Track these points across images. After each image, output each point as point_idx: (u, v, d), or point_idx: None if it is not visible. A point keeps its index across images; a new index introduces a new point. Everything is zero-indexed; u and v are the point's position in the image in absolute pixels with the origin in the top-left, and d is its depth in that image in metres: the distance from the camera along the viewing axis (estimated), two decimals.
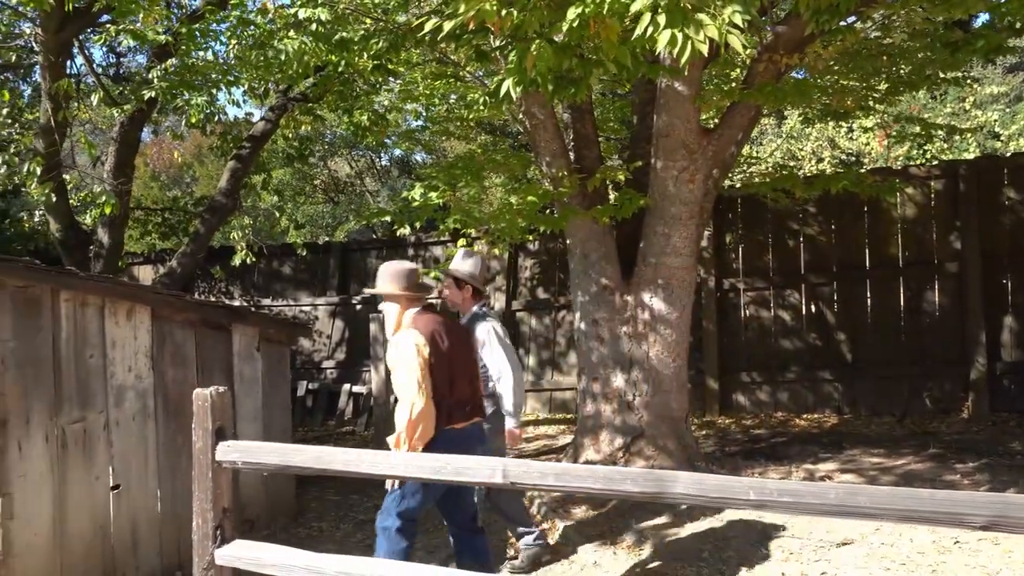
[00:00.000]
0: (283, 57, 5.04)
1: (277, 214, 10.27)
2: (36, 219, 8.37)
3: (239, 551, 3.11)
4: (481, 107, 6.50)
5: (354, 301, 10.36)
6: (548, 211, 6.51)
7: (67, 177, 8.08)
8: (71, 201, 7.74)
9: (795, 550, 4.32)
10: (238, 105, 10.07)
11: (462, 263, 4.48)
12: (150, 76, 6.51)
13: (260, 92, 8.74)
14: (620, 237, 6.25)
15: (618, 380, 5.97)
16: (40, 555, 4.12)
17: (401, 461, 2.88)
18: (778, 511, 2.16)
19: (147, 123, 8.65)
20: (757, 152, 13.04)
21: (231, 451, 3.11)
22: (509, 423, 4.31)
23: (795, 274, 8.63)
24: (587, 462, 5.93)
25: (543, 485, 2.62)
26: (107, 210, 6.05)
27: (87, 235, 7.77)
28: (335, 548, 4.96)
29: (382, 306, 4.05)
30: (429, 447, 3.54)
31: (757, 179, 8.35)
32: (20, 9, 6.63)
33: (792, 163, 12.53)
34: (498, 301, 9.80)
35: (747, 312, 8.81)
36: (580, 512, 5.26)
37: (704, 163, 5.77)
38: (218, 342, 5.24)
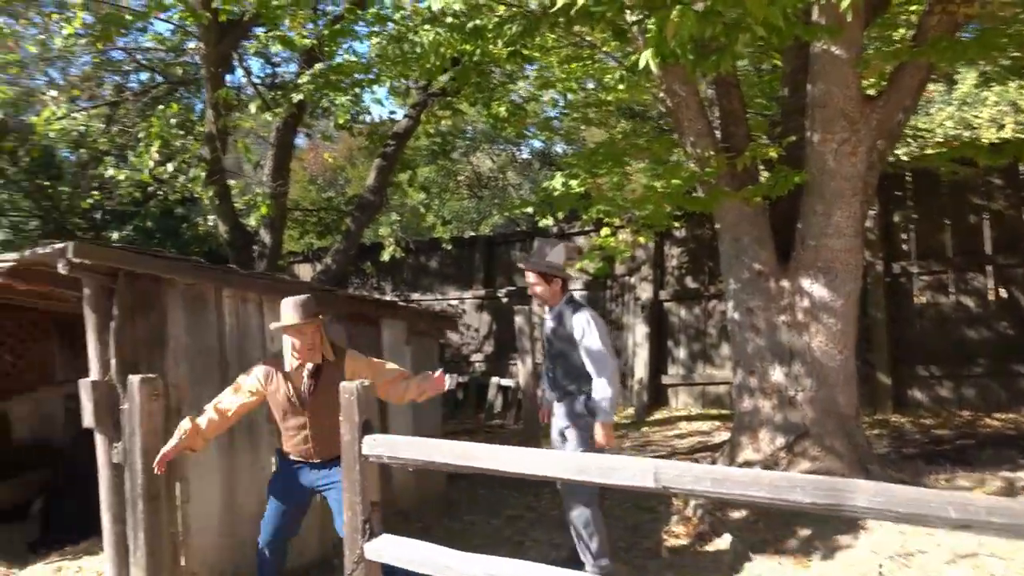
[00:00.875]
0: (419, 50, 5.04)
1: (423, 210, 10.46)
2: (209, 222, 8.98)
3: (386, 546, 3.10)
4: (619, 87, 6.24)
5: (500, 294, 10.40)
6: (694, 194, 6.17)
7: (232, 183, 8.61)
8: (236, 204, 8.22)
9: (998, 573, 3.78)
10: (381, 104, 10.37)
11: (548, 255, 4.20)
12: (299, 80, 6.77)
13: (402, 90, 8.94)
14: (774, 219, 5.82)
15: (777, 374, 5.56)
16: (213, 535, 4.35)
17: (544, 459, 2.74)
18: (987, 533, 1.82)
19: (300, 127, 9.04)
20: (924, 123, 11.85)
21: (377, 445, 3.10)
22: (604, 418, 3.99)
23: (979, 254, 7.73)
24: (745, 463, 5.57)
25: (699, 491, 2.38)
26: (264, 211, 6.37)
27: (251, 236, 8.24)
28: (485, 543, 4.92)
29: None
30: None
31: (929, 150, 7.54)
32: (187, 27, 7.09)
33: (967, 133, 11.29)
34: (644, 291, 9.50)
35: (922, 298, 7.99)
36: (739, 515, 4.93)
37: (867, 134, 5.23)
38: (368, 335, 5.34)
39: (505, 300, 10.25)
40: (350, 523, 3.17)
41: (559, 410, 4.24)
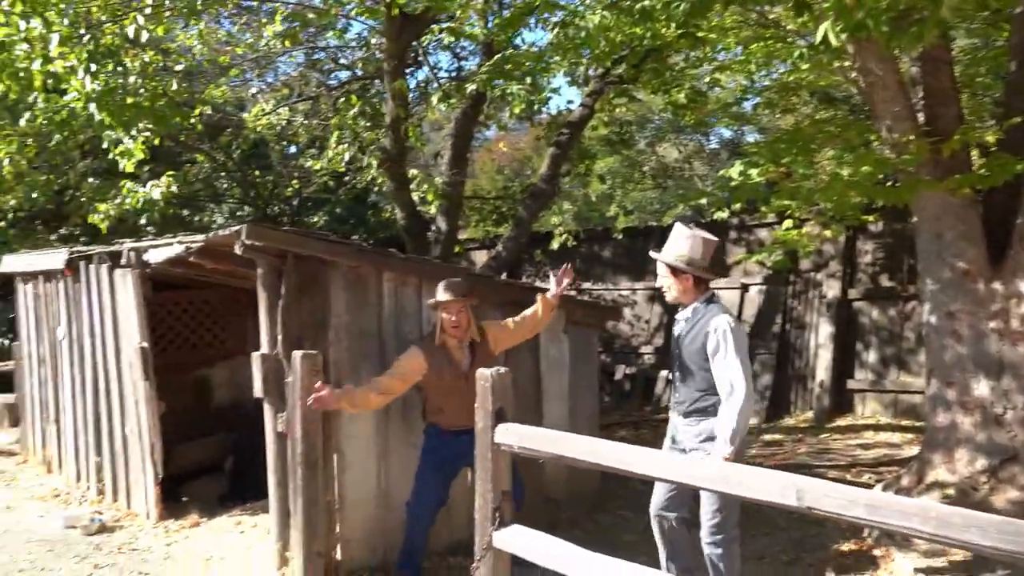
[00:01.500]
0: (583, 35, 4.88)
1: (594, 198, 10.32)
2: (393, 209, 9.43)
3: (516, 537, 3.02)
4: (802, 66, 5.70)
5: None
6: (891, 184, 5.51)
7: (414, 172, 8.95)
8: (415, 193, 8.53)
9: None
10: (558, 93, 10.26)
11: (679, 245, 3.63)
12: (478, 71, 6.86)
13: (580, 78, 8.82)
14: (987, 212, 5.05)
15: (982, 387, 4.83)
16: (367, 507, 4.51)
17: (679, 465, 2.51)
18: None
19: (479, 117, 9.20)
20: None
21: (508, 434, 3.03)
22: (722, 450, 3.30)
23: None
24: (936, 483, 4.90)
25: (849, 516, 2.07)
26: (430, 198, 6.52)
27: (427, 223, 8.53)
28: (633, 541, 4.73)
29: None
30: None
31: None
32: (373, 25, 7.43)
33: None
34: (831, 288, 8.74)
35: None
36: (925, 543, 4.35)
37: None
38: None
39: None
40: (481, 510, 3.12)
41: (684, 428, 3.64)
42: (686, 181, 19.91)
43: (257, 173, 10.16)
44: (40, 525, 5.56)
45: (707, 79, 8.88)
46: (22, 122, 6.43)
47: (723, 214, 6.63)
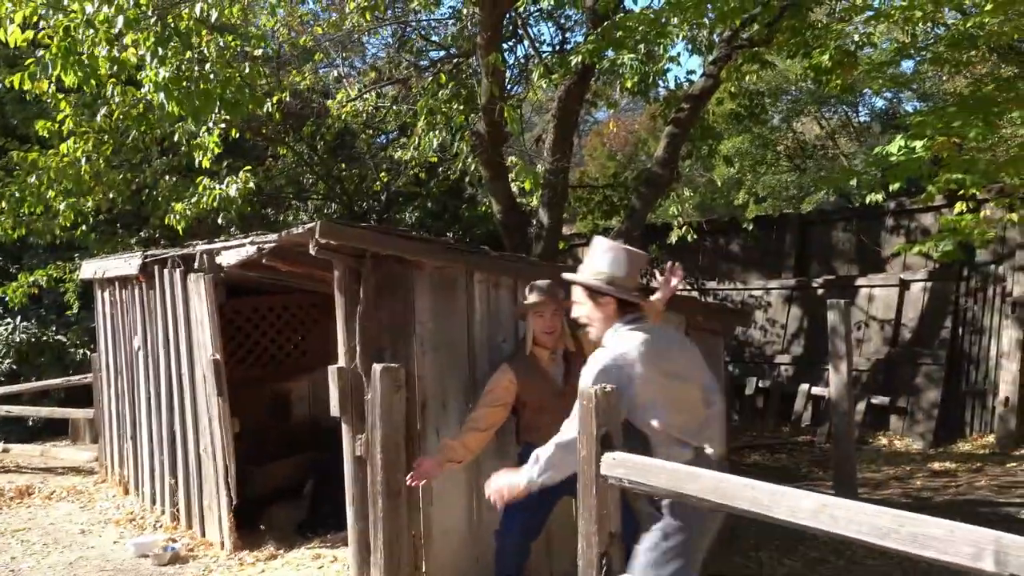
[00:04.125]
0: None
1: (719, 184, 9.88)
2: (489, 202, 9.34)
3: None
4: (986, 7, 5.17)
5: (815, 284, 9.46)
6: None
7: (513, 159, 8.82)
8: (514, 183, 8.40)
9: None
10: (677, 63, 9.93)
11: (597, 261, 3.19)
12: (585, 41, 6.64)
13: (702, 44, 8.43)
14: None
15: None
16: (456, 542, 4.38)
17: (833, 511, 2.20)
18: None
19: (586, 95, 8.96)
20: None
21: (617, 465, 2.80)
22: (522, 475, 3.19)
23: None
24: None
25: None
26: (527, 186, 6.34)
27: (527, 216, 8.36)
28: None
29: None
30: None
31: None
32: None
33: None
34: (1020, 285, 7.99)
35: None
36: None
37: None
38: None
39: (820, 292, 9.28)
40: (584, 556, 2.91)
41: None
42: (829, 161, 18.94)
43: (343, 166, 10.32)
44: (113, 552, 5.76)
45: (856, 37, 8.31)
46: (98, 118, 6.72)
47: (877, 197, 6.13)
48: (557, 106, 8.65)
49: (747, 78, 8.83)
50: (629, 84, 7.60)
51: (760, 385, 9.49)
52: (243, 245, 4.61)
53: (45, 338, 10.79)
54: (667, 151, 8.46)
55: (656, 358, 3.04)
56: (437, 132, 6.38)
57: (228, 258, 4.82)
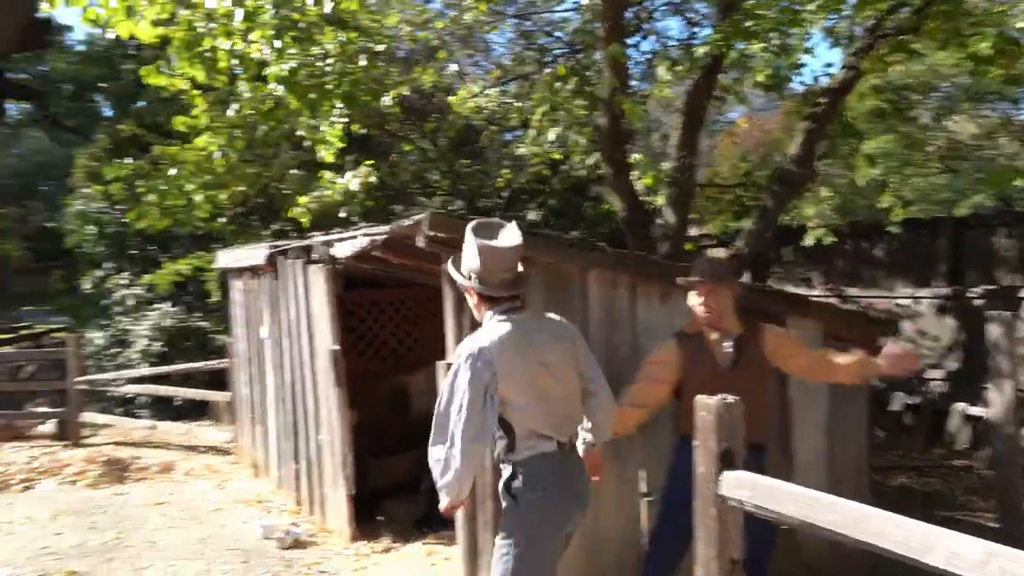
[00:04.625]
0: None
1: (862, 184, 9.17)
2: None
3: None
4: None
5: (972, 294, 8.63)
6: None
7: (637, 157, 8.49)
8: (638, 181, 8.08)
9: None
10: (811, 53, 9.27)
11: (465, 255, 3.15)
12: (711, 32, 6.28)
13: (843, 34, 7.84)
14: None
15: None
16: (569, 550, 4.15)
17: (1018, 568, 1.81)
18: None
19: (714, 91, 8.52)
20: None
21: (740, 486, 2.49)
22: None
23: None
24: None
25: None
26: (648, 181, 6.02)
27: (651, 215, 8.02)
28: None
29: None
30: None
31: None
32: None
33: None
34: None
35: None
36: None
37: None
38: None
39: (978, 302, 8.45)
40: None
41: None
42: (987, 162, 17.42)
43: (466, 163, 10.29)
44: (242, 532, 5.88)
45: (1021, 24, 7.50)
46: (230, 112, 6.91)
47: None
48: (684, 101, 8.27)
49: (892, 70, 8.13)
50: (761, 78, 7.14)
51: (908, 402, 8.74)
52: (355, 237, 4.55)
53: (190, 324, 11.35)
54: (803, 148, 7.91)
55: (520, 348, 3.01)
56: (558, 127, 6.12)
57: (342, 250, 4.78)
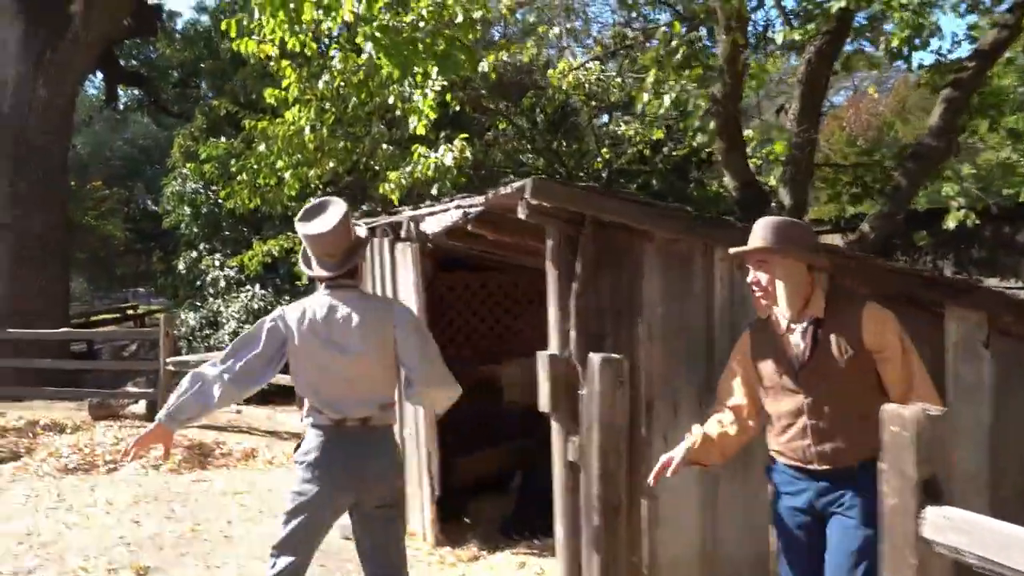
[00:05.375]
0: None
1: (1015, 158, 8.12)
2: (721, 181, 8.33)
3: None
4: None
5: None
6: None
7: (749, 132, 7.76)
8: (753, 160, 7.35)
9: None
10: (956, 12, 8.28)
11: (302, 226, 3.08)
12: None
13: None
14: None
15: None
16: (686, 572, 3.58)
17: None
18: None
19: (837, 60, 7.68)
20: None
21: (951, 528, 1.85)
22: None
23: None
24: None
25: None
26: (778, 148, 5.29)
27: (766, 195, 7.29)
28: None
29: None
30: None
31: None
32: None
33: None
34: None
35: None
36: None
37: None
38: (924, 329, 3.91)
39: None
40: None
41: None
42: None
43: (563, 142, 9.69)
44: None
45: None
46: (320, 84, 6.52)
47: None
48: (804, 69, 7.47)
49: None
50: (896, 42, 6.31)
51: None
52: (447, 210, 4.03)
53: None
54: (943, 119, 7.00)
55: (316, 324, 3.02)
56: (667, 93, 5.40)
57: (432, 225, 4.27)
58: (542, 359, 3.46)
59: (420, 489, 5.11)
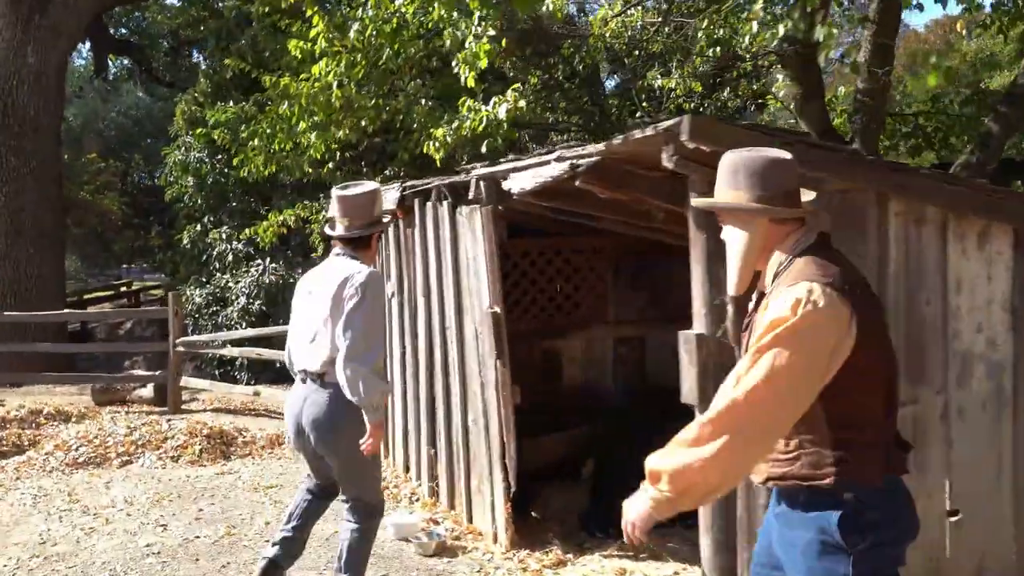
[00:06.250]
0: None
1: None
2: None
3: None
4: None
5: None
6: None
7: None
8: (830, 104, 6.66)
9: None
10: None
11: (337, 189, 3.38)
12: None
13: None
14: None
15: None
16: None
17: None
18: None
19: None
20: None
21: None
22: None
23: None
24: None
25: None
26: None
27: (846, 143, 6.62)
28: None
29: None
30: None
31: None
32: None
33: None
34: None
35: None
36: None
37: None
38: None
39: None
40: None
41: None
42: None
43: (601, 95, 8.95)
44: None
45: None
46: (351, 34, 5.78)
47: None
48: (875, 9, 6.79)
49: None
50: None
51: None
52: (546, 163, 3.32)
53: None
54: None
55: (306, 280, 3.45)
56: (781, 23, 4.64)
57: (520, 182, 3.56)
58: (687, 339, 2.78)
59: (489, 483, 4.45)
